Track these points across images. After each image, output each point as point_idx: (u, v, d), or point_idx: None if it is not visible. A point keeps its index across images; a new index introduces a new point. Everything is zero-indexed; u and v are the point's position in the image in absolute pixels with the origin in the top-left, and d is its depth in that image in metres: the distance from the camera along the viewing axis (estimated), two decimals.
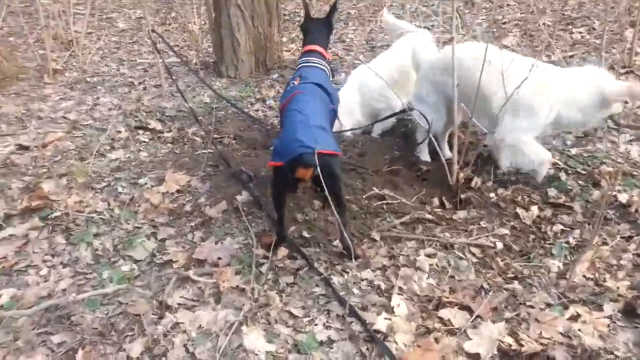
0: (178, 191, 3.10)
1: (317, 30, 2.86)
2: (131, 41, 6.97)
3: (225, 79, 5.16)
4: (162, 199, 3.02)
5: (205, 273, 2.41)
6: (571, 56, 5.16)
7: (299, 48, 5.59)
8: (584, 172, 3.13)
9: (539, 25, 6.38)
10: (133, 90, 4.93)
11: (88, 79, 5.21)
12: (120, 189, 3.13)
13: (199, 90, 4.91)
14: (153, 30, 4.37)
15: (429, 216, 2.81)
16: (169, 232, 2.73)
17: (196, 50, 6.13)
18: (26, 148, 3.66)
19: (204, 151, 3.56)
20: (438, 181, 3.19)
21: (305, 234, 2.69)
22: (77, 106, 4.52)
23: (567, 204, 2.84)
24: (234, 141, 3.85)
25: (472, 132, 3.70)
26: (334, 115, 2.69)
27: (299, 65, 2.74)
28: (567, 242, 2.57)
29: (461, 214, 2.87)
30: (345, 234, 2.39)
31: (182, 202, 3.01)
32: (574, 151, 3.39)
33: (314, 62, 2.70)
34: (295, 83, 2.58)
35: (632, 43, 4.72)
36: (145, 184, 3.18)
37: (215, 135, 3.89)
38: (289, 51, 5.98)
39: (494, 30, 6.34)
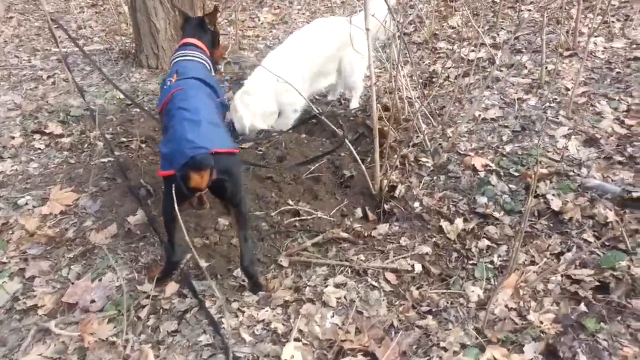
0: (62, 212, 2.71)
1: (195, 24, 2.58)
2: (55, 26, 6.35)
3: (145, 69, 4.70)
4: (41, 223, 2.62)
5: (72, 322, 2.05)
6: (516, 37, 4.88)
7: (236, 31, 5.19)
8: (517, 173, 2.87)
9: (487, 3, 6.10)
10: (40, 86, 4.43)
11: None
12: None
13: (117, 83, 4.44)
14: (52, 20, 3.86)
15: (344, 234, 2.51)
16: (41, 267, 2.35)
17: (123, 35, 5.62)
18: None
19: (102, 160, 3.16)
20: (362, 189, 2.90)
21: (202, 262, 2.34)
22: None
23: (495, 214, 2.58)
24: (143, 144, 3.44)
25: (403, 128, 3.43)
26: (223, 108, 2.42)
27: (174, 60, 2.41)
28: (492, 262, 2.31)
29: (381, 228, 2.58)
30: (247, 254, 2.12)
31: (64, 227, 2.62)
32: (508, 148, 3.12)
33: (191, 55, 2.39)
34: (173, 80, 2.24)
35: (576, 22, 4.45)
36: (26, 204, 2.77)
37: (122, 139, 3.49)
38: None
39: (442, 8, 6.00)
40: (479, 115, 3.55)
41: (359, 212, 2.79)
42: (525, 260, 2.29)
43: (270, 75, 3.35)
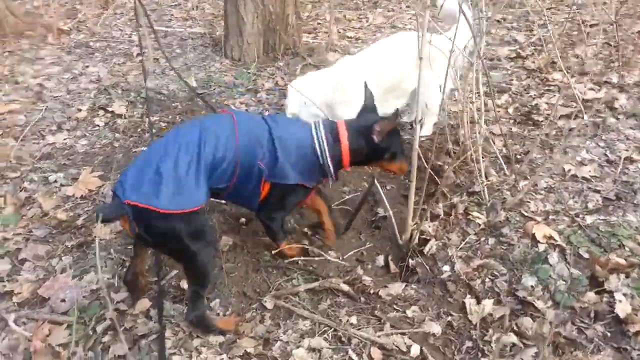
0: (82, 197, 2.70)
1: (361, 124, 2.16)
2: (173, 3, 6.67)
3: (228, 60, 4.65)
4: (60, 204, 2.63)
5: (33, 319, 1.99)
6: None
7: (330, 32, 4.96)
8: (586, 255, 2.29)
9: (632, 33, 5.17)
10: (128, 62, 4.59)
11: (91, 44, 4.94)
12: (27, 184, 2.79)
13: (195, 70, 4.46)
14: (139, 1, 3.92)
15: (345, 287, 2.16)
16: (37, 252, 2.33)
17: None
18: None
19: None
20: (393, 234, 2.52)
21: (184, 283, 2.17)
22: (62, 73, 4.26)
23: (537, 303, 2.06)
24: None
25: (467, 170, 2.94)
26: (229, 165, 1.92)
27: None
28: None
29: (393, 288, 2.19)
30: (192, 309, 1.90)
31: (78, 213, 2.60)
32: (589, 220, 2.52)
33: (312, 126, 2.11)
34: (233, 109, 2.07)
35: None
36: (56, 181, 2.81)
37: None
38: (311, 35, 5.34)
39: (575, 32, 5.18)
40: (569, 170, 2.93)
41: (380, 260, 2.43)
42: None
43: (327, 82, 3.06)
